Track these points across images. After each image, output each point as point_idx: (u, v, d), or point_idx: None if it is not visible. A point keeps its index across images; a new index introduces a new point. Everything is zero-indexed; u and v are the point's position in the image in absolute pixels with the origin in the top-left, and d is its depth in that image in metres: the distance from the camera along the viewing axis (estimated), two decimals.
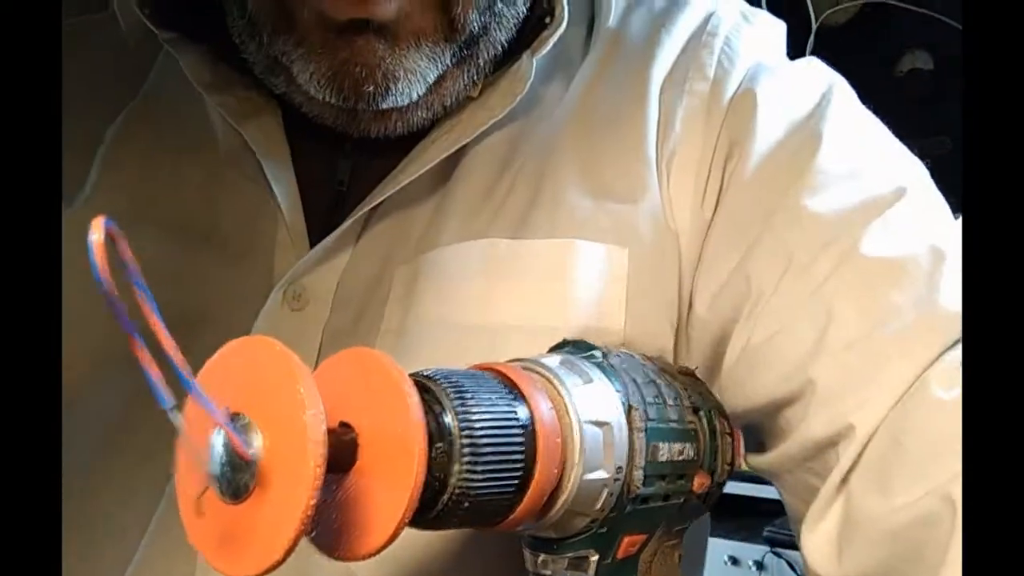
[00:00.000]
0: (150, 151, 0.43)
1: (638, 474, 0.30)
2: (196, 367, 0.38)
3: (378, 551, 0.21)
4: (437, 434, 0.23)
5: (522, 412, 0.26)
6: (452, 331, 0.38)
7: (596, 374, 0.30)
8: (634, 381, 0.32)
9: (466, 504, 0.24)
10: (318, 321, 0.40)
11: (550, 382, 0.29)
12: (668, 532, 0.34)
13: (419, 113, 0.40)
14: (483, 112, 0.41)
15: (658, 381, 0.33)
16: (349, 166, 0.43)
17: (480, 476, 0.24)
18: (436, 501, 0.23)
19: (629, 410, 0.30)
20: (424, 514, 0.24)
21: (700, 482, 0.35)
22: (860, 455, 0.34)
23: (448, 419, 0.24)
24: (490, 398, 0.25)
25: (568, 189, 0.41)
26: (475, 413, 0.24)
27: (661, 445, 0.32)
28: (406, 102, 0.39)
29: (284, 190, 0.41)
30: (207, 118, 0.42)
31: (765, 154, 0.41)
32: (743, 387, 0.39)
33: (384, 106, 0.38)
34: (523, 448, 0.26)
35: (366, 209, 0.40)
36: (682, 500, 0.34)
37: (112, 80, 0.45)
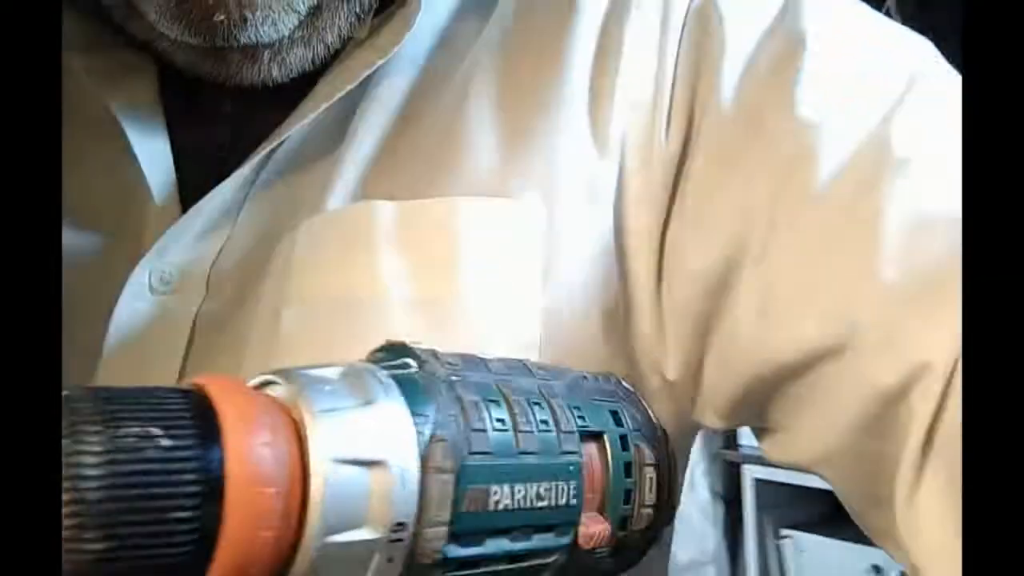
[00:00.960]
0: None
1: (436, 532, 0.22)
2: (68, 357, 0.35)
3: None
4: None
5: (205, 452, 0.19)
6: (332, 308, 0.34)
7: (386, 392, 0.22)
8: (458, 400, 0.23)
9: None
10: (188, 306, 0.35)
11: (291, 405, 0.21)
12: None
13: (296, 52, 0.35)
14: (371, 53, 0.35)
15: (515, 399, 0.25)
16: (229, 131, 0.38)
17: (98, 543, 0.17)
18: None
19: (430, 442, 0.22)
20: None
21: (592, 532, 0.26)
22: (943, 398, 0.28)
23: None
24: (134, 433, 0.18)
25: (478, 139, 0.35)
26: (90, 456, 0.17)
27: (496, 488, 0.23)
28: (273, 36, 0.34)
29: (153, 161, 0.36)
30: (74, 82, 0.38)
31: (741, 71, 0.35)
32: (761, 346, 0.33)
33: (244, 40, 0.33)
34: (192, 504, 0.18)
35: (244, 174, 0.35)
36: (555, 559, 0.25)
37: None
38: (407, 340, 0.25)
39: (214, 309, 0.35)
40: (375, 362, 0.24)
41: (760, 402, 0.34)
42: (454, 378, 0.24)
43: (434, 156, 0.36)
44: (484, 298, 0.33)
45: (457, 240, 0.34)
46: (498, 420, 0.24)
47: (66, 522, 0.17)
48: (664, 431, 0.29)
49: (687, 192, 0.35)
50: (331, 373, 0.22)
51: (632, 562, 0.28)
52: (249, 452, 0.19)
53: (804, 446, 0.33)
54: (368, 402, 0.22)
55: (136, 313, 0.34)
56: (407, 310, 0.33)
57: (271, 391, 0.22)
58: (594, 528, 0.26)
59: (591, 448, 0.27)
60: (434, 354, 0.24)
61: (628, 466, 0.27)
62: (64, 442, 0.17)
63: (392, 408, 0.22)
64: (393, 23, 0.36)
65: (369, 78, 0.36)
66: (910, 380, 0.28)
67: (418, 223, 0.34)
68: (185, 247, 0.35)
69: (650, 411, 0.29)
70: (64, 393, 0.18)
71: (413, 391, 0.23)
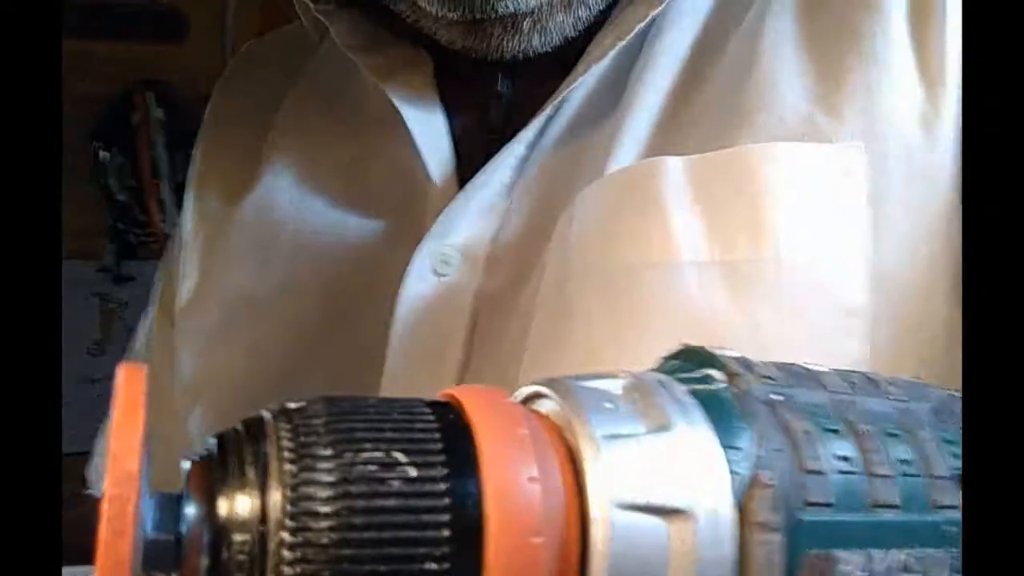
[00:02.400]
0: (311, 130, 0.42)
1: None
2: (359, 345, 0.35)
3: None
4: (235, 520, 0.14)
5: (460, 486, 0.14)
6: (621, 276, 0.31)
7: (687, 415, 0.17)
8: (785, 428, 0.17)
9: None
10: (467, 287, 0.34)
11: (564, 427, 0.16)
12: None
13: (557, 18, 0.33)
14: (643, 7, 0.33)
15: (863, 427, 0.18)
16: (502, 109, 0.37)
17: None
18: None
19: (750, 486, 0.16)
20: None
21: None
22: None
23: (252, 496, 0.14)
24: (375, 459, 0.14)
25: (781, 82, 0.32)
26: (322, 485, 0.14)
27: (843, 555, 0.17)
28: (532, 3, 0.32)
29: (432, 145, 0.36)
30: (361, 88, 0.40)
31: None
32: None
33: (502, 9, 0.32)
34: (442, 552, 0.14)
35: (518, 148, 0.34)
36: None
37: (283, 73, 0.45)
38: (709, 346, 0.19)
39: (495, 288, 0.34)
40: (668, 372, 0.18)
41: None
42: (776, 397, 0.18)
43: (730, 105, 0.32)
44: (797, 258, 0.29)
45: (763, 192, 0.30)
46: (841, 458, 0.17)
47: (290, 569, 0.13)
48: None
49: None
50: (614, 386, 0.17)
51: None
52: (513, 488, 0.15)
53: None
54: (664, 427, 0.16)
55: (419, 297, 0.34)
56: (705, 275, 0.30)
57: (540, 406, 0.17)
58: None
59: (952, 500, 0.19)
60: (747, 364, 0.18)
61: None
62: (290, 467, 0.14)
63: (696, 437, 0.16)
64: None
65: (646, 34, 0.34)
66: None
67: (716, 177, 0.31)
68: (464, 227, 0.35)
69: None
70: (293, 405, 0.15)
71: (723, 414, 0.17)
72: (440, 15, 0.33)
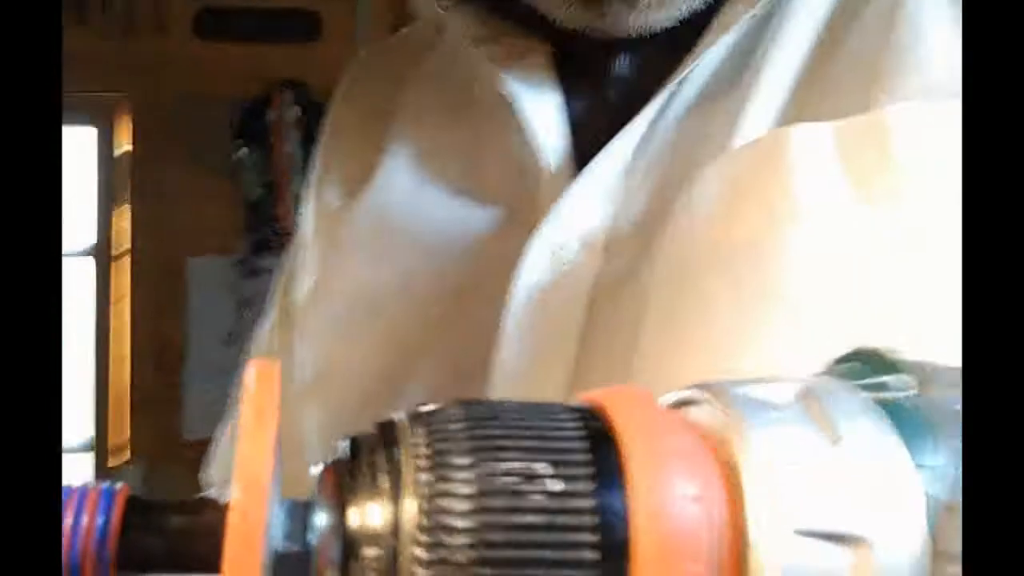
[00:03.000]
0: (428, 124, 0.41)
1: None
2: (474, 338, 0.35)
3: None
4: (366, 533, 0.13)
5: (607, 503, 0.13)
6: (748, 254, 0.29)
7: (873, 427, 0.14)
8: None
9: None
10: (585, 275, 0.33)
11: (722, 439, 0.14)
12: None
13: None
14: None
15: None
16: (620, 91, 0.35)
17: None
18: None
19: (945, 511, 0.14)
20: None
21: None
22: None
23: (389, 503, 0.12)
24: (516, 469, 0.13)
25: (931, 38, 0.29)
26: (460, 497, 0.12)
27: None
28: None
29: (548, 131, 0.35)
30: (478, 80, 0.39)
31: None
32: None
33: None
34: (588, 571, 0.13)
35: (635, 129, 0.33)
36: None
37: (399, 75, 0.45)
38: (884, 348, 0.17)
39: (614, 276, 0.32)
40: (843, 376, 0.16)
41: None
42: (958, 408, 0.15)
43: (868, 69, 0.30)
44: (943, 224, 0.26)
45: (914, 156, 0.28)
46: None
47: None
48: None
49: None
50: (781, 393, 0.15)
51: None
52: (667, 506, 0.13)
53: None
54: (837, 439, 0.14)
55: (534, 286, 0.33)
56: (863, 246, 0.28)
57: (693, 414, 0.16)
58: None
59: None
60: (934, 369, 0.16)
61: None
62: (425, 476, 0.13)
63: (884, 453, 0.14)
64: None
65: (773, 7, 0.32)
66: None
67: (858, 143, 0.29)
68: (581, 213, 0.33)
69: None
70: (427, 408, 0.14)
71: (912, 427, 0.15)
72: None
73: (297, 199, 1.81)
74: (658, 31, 0.33)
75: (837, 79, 0.31)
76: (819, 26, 0.32)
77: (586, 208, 0.33)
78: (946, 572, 0.14)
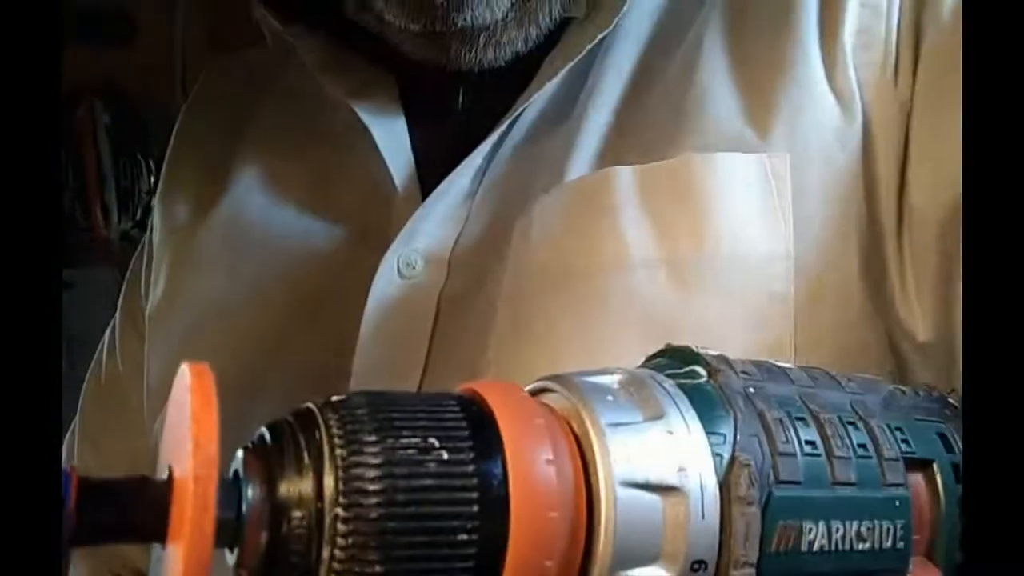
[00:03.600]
0: (279, 144, 0.43)
1: (741, 574, 0.18)
2: (325, 346, 0.36)
3: None
4: (294, 499, 0.15)
5: (486, 468, 0.17)
6: (576, 276, 0.33)
7: (676, 405, 0.19)
8: (759, 416, 0.20)
9: None
10: (431, 289, 0.36)
11: (574, 418, 0.18)
12: None
13: (509, 33, 0.36)
14: (592, 28, 0.36)
15: (825, 416, 0.21)
16: (462, 122, 0.39)
17: (377, 566, 0.15)
18: None
19: (731, 466, 0.18)
20: None
21: None
22: None
23: (308, 478, 0.15)
24: (413, 444, 0.16)
25: (716, 98, 0.35)
26: (369, 467, 0.16)
27: (809, 526, 0.19)
28: (488, 19, 0.35)
29: (396, 158, 0.38)
30: (328, 104, 0.41)
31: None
32: None
33: (461, 23, 0.34)
34: (473, 525, 0.16)
35: (476, 160, 0.36)
36: None
37: (250, 91, 0.46)
38: (693, 345, 0.22)
39: (457, 290, 0.36)
40: (659, 368, 0.21)
41: None
42: (751, 389, 0.20)
43: (670, 118, 0.35)
44: (733, 253, 0.33)
45: (701, 197, 0.33)
46: (808, 443, 0.20)
47: (344, 540, 0.15)
48: None
49: (917, 129, 0.33)
50: (611, 381, 0.19)
51: None
52: (533, 469, 0.17)
53: None
54: (657, 417, 0.19)
55: (386, 298, 0.36)
56: (651, 275, 0.33)
57: (547, 399, 0.20)
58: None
59: (917, 479, 0.22)
60: (726, 361, 0.21)
61: (959, 500, 0.22)
62: (340, 451, 0.16)
63: (685, 424, 0.19)
64: (609, 1, 0.35)
65: (594, 54, 0.37)
66: None
67: (660, 184, 0.34)
68: (427, 233, 0.36)
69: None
70: (336, 398, 0.16)
71: (706, 405, 0.19)
72: (404, 27, 0.35)
73: (107, 209, 1.70)
74: (495, 67, 0.36)
75: (646, 125, 0.36)
76: (631, 76, 0.37)
77: (431, 229, 0.36)
78: (733, 510, 0.18)
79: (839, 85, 0.34)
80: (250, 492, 0.16)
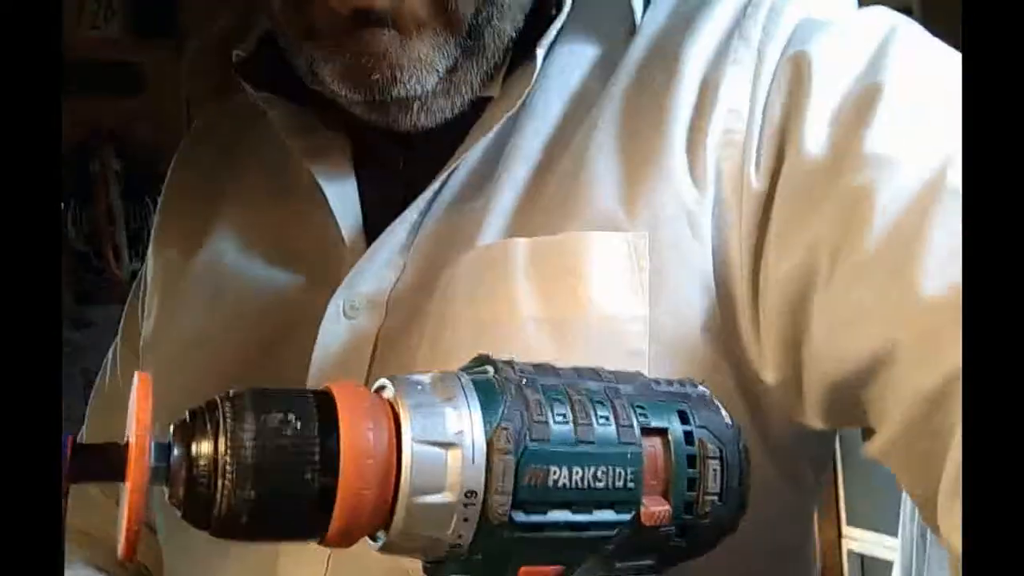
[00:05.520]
0: (252, 199, 0.51)
1: (501, 499, 0.28)
2: (284, 375, 0.45)
3: (126, 556, 0.24)
4: (200, 453, 0.25)
5: (326, 432, 0.26)
6: (480, 329, 0.40)
7: (465, 393, 0.29)
8: (524, 398, 0.29)
9: (245, 518, 0.25)
10: (370, 328, 0.43)
11: (393, 402, 0.28)
12: (610, 568, 0.30)
13: (439, 102, 0.43)
14: (502, 106, 0.43)
15: (577, 398, 0.30)
16: (401, 183, 0.46)
17: (250, 491, 0.25)
18: (209, 514, 0.25)
19: (496, 429, 0.28)
20: (204, 525, 0.26)
21: (653, 512, 0.31)
22: None
23: (210, 439, 0.25)
24: (277, 419, 0.26)
25: (600, 182, 0.41)
26: (247, 432, 0.26)
27: (555, 469, 0.29)
28: (418, 91, 0.42)
29: (346, 213, 0.46)
30: (293, 161, 0.49)
31: (827, 119, 0.38)
32: (831, 357, 0.37)
33: (396, 94, 0.41)
34: (316, 468, 0.26)
35: (411, 217, 0.44)
36: (618, 532, 0.30)
37: (231, 143, 0.55)
38: (490, 353, 0.31)
39: (392, 329, 0.43)
40: (464, 369, 0.31)
41: (845, 406, 0.37)
42: (524, 380, 0.30)
43: (565, 198, 0.42)
44: (601, 315, 0.40)
45: (579, 269, 0.40)
46: (560, 415, 0.30)
47: (228, 477, 0.25)
48: (738, 428, 0.33)
49: (772, 227, 0.39)
50: (426, 378, 0.29)
51: (706, 544, 0.33)
52: (358, 434, 0.27)
53: (875, 444, 0.35)
54: (449, 399, 0.29)
55: (333, 334, 0.44)
56: (538, 329, 0.40)
57: (384, 392, 0.30)
58: (656, 509, 0.31)
59: (655, 441, 0.31)
60: (510, 363, 0.31)
61: (692, 458, 0.31)
62: (229, 423, 0.26)
63: (464, 404, 0.28)
64: (519, 80, 0.43)
65: (509, 129, 0.44)
66: (949, 385, 0.30)
67: (548, 256, 0.41)
68: (369, 279, 0.44)
69: (723, 411, 0.33)
70: (234, 392, 0.27)
71: (487, 391, 0.29)
72: (349, 96, 0.43)
73: (118, 250, 1.80)
74: (429, 130, 0.44)
75: (547, 200, 0.42)
76: (538, 153, 0.43)
77: (371, 276, 0.44)
78: (495, 458, 0.28)
79: (698, 175, 0.40)
80: (175, 450, 0.26)
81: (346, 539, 0.27)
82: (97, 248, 1.85)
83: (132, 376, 0.55)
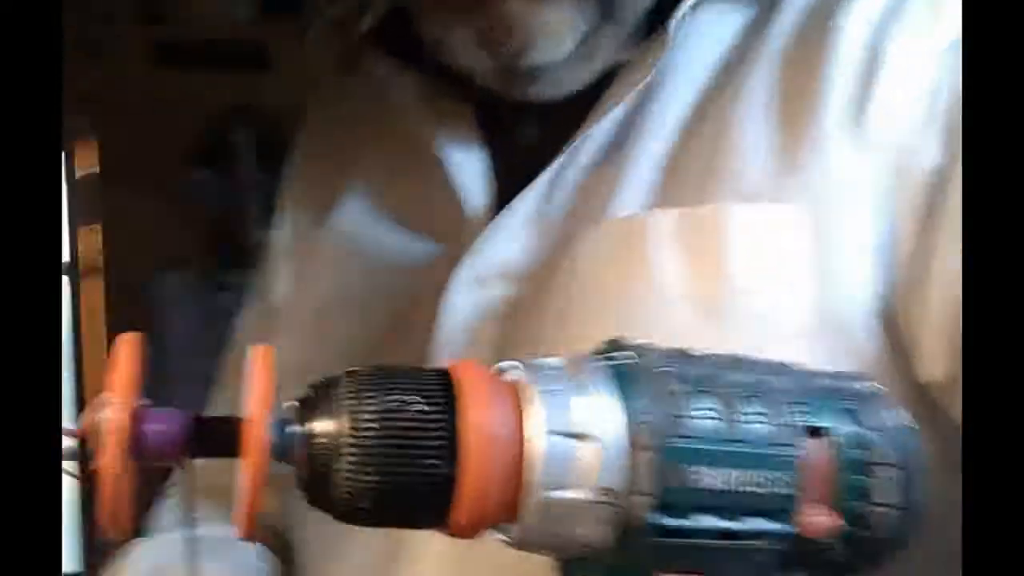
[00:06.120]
0: (382, 166, 0.50)
1: (641, 500, 0.25)
2: (413, 343, 0.44)
3: (246, 534, 0.23)
4: (320, 431, 0.24)
5: (449, 415, 0.24)
6: (614, 304, 0.39)
7: (602, 379, 0.26)
8: (666, 389, 0.26)
9: (366, 503, 0.24)
10: (496, 299, 0.42)
11: (521, 388, 0.26)
12: None
13: (573, 70, 0.41)
14: (637, 75, 0.41)
15: (727, 391, 0.27)
16: (528, 151, 0.44)
17: (371, 476, 0.23)
18: (329, 496, 0.24)
19: (635, 423, 0.25)
20: (325, 507, 0.24)
21: (815, 523, 0.27)
22: None
23: (330, 419, 0.24)
24: (401, 401, 0.24)
25: (752, 148, 0.39)
26: (366, 413, 0.24)
27: (701, 469, 0.26)
28: (553, 58, 0.40)
29: (473, 181, 0.45)
30: (416, 131, 0.48)
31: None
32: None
33: (529, 62, 0.40)
34: (438, 454, 0.24)
35: (538, 187, 0.42)
36: (773, 543, 0.27)
37: (360, 111, 0.54)
38: (623, 336, 0.28)
39: (519, 300, 0.42)
40: (599, 353, 0.28)
41: None
42: (667, 370, 0.27)
43: (711, 165, 0.40)
44: (753, 293, 0.37)
45: (730, 243, 0.38)
46: (707, 409, 0.26)
47: (348, 460, 0.23)
48: (915, 431, 0.29)
49: (947, 206, 0.36)
50: (558, 362, 0.27)
51: (873, 561, 0.29)
52: (482, 421, 0.24)
53: None
54: (582, 386, 0.26)
55: (459, 305, 0.43)
56: (682, 307, 0.38)
57: (511, 374, 0.27)
58: (817, 519, 0.27)
59: (816, 443, 0.28)
60: (650, 348, 0.28)
61: (860, 464, 0.28)
62: (351, 402, 0.24)
63: (601, 394, 0.26)
64: (655, 46, 0.41)
65: (646, 96, 0.42)
66: None
67: (694, 229, 0.39)
68: (495, 249, 0.43)
69: (898, 411, 0.29)
70: (355, 368, 0.25)
71: (626, 379, 0.26)
72: (482, 65, 0.42)
73: (254, 216, 1.88)
74: (557, 102, 0.42)
75: (688, 169, 0.40)
76: (680, 119, 0.41)
77: (498, 246, 0.43)
78: (636, 454, 0.25)
79: (861, 145, 0.37)
80: (296, 428, 0.24)
81: (471, 531, 0.25)
82: (235, 215, 1.93)
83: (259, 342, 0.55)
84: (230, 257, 1.85)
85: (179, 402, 0.24)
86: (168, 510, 0.53)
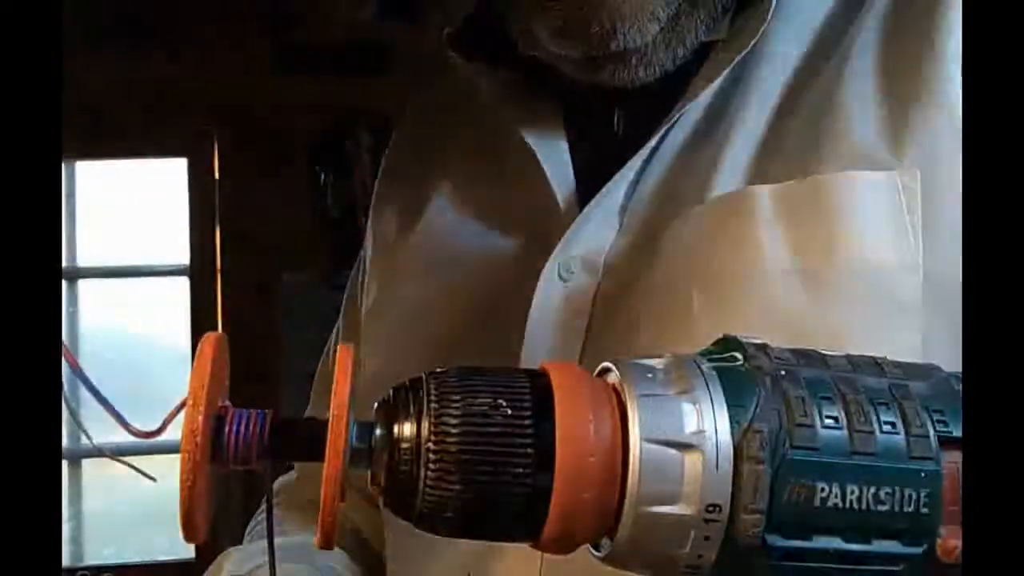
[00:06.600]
0: (466, 167, 0.50)
1: (752, 519, 0.22)
2: (501, 339, 0.43)
3: (324, 542, 0.22)
4: (403, 436, 0.22)
5: (540, 422, 0.23)
6: (717, 284, 0.38)
7: (707, 382, 0.24)
8: (783, 394, 0.24)
9: (448, 513, 0.22)
10: (586, 290, 0.41)
11: (619, 390, 0.24)
12: None
13: (659, 53, 0.40)
14: (731, 52, 0.39)
15: (853, 396, 0.24)
16: (616, 140, 0.43)
17: (455, 485, 0.22)
18: (411, 504, 0.22)
19: (746, 432, 0.23)
20: (406, 515, 0.23)
21: (953, 547, 0.24)
22: None
23: (412, 423, 0.22)
24: (487, 404, 0.23)
25: (859, 116, 0.37)
26: (451, 418, 0.22)
27: (823, 485, 0.23)
28: (639, 42, 0.39)
29: (558, 174, 0.44)
30: (505, 129, 0.47)
31: None
32: None
33: (614, 47, 0.39)
34: (528, 463, 0.22)
35: (627, 175, 0.41)
36: (904, 568, 0.24)
37: (446, 118, 0.54)
38: (741, 336, 0.26)
39: (610, 291, 0.41)
40: (705, 354, 0.25)
41: None
42: (781, 372, 0.24)
43: (814, 138, 0.38)
44: (864, 264, 0.35)
45: (836, 212, 0.36)
46: (830, 417, 0.24)
47: (431, 467, 0.22)
48: None
49: None
50: (658, 363, 0.25)
51: None
52: (575, 427, 0.23)
53: None
54: (686, 391, 0.23)
55: (549, 298, 0.42)
56: (787, 282, 0.36)
57: (608, 377, 0.25)
58: (958, 542, 0.24)
59: (957, 456, 0.24)
60: (764, 348, 0.25)
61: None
62: (433, 405, 0.22)
63: (706, 398, 0.23)
64: (750, 22, 0.39)
65: (739, 74, 0.40)
66: None
67: (797, 202, 0.37)
68: (585, 240, 0.42)
69: None
70: (437, 369, 0.23)
71: (735, 383, 0.24)
72: (564, 53, 0.41)
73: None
74: (647, 85, 0.41)
75: (788, 143, 0.39)
76: (776, 96, 0.40)
77: (588, 238, 0.42)
78: (744, 467, 0.23)
79: None
80: (377, 432, 0.23)
81: (563, 546, 0.23)
82: (353, 217, 1.99)
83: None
84: (348, 257, 1.90)
85: (296, 404, 0.23)
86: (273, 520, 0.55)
